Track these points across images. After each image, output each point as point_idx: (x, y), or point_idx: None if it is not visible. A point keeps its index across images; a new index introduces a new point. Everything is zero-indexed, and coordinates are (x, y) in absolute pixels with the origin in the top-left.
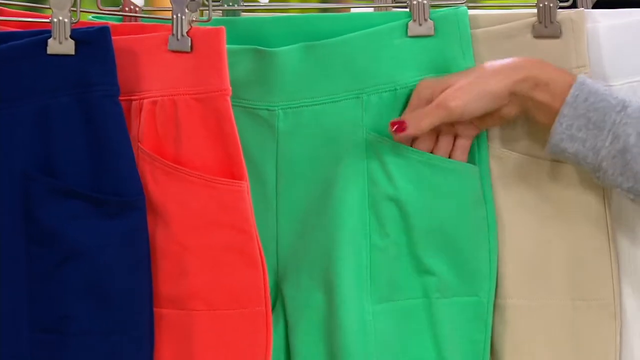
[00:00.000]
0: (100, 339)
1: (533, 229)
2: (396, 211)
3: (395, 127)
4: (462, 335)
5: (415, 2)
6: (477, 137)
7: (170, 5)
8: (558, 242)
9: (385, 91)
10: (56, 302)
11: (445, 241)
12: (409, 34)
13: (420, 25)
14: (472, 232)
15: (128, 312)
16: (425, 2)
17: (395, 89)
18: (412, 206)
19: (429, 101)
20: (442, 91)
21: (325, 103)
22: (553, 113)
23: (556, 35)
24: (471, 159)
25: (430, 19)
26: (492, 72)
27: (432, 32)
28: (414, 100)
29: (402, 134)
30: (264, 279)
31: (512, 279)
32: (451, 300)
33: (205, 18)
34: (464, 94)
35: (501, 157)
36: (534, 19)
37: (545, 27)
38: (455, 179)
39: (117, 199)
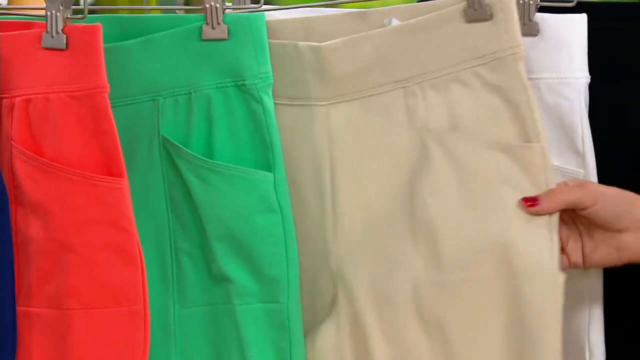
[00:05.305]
0: None
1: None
2: (196, 215)
3: (528, 203)
4: (267, 342)
5: (208, 5)
6: (272, 145)
7: (34, 3)
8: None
9: (181, 94)
10: None
11: (239, 248)
12: (203, 37)
13: (213, 28)
14: (266, 239)
15: None
16: (218, 5)
17: (190, 93)
18: (205, 211)
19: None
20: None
21: (121, 105)
22: None
23: (486, 17)
24: (266, 165)
25: (225, 23)
26: None
27: (225, 36)
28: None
29: (534, 209)
30: (143, 277)
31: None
32: (252, 307)
33: (81, 15)
34: (606, 190)
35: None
36: (463, 4)
37: (475, 10)
38: (244, 185)
39: None
